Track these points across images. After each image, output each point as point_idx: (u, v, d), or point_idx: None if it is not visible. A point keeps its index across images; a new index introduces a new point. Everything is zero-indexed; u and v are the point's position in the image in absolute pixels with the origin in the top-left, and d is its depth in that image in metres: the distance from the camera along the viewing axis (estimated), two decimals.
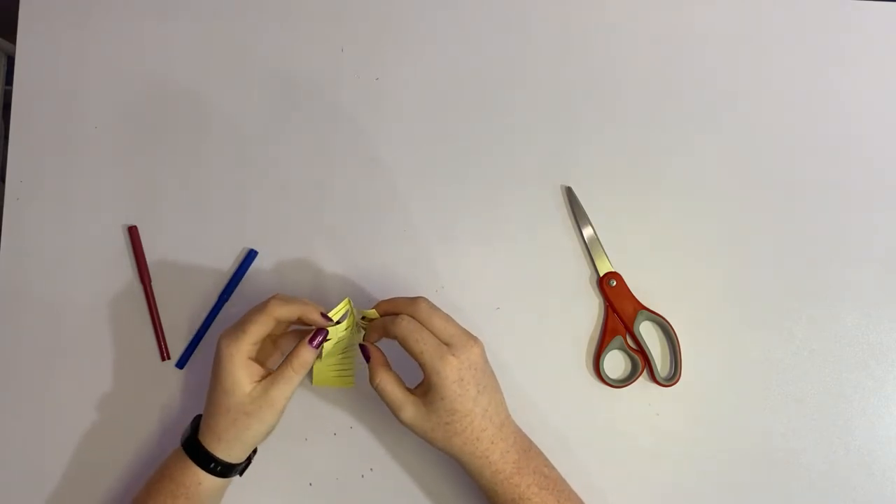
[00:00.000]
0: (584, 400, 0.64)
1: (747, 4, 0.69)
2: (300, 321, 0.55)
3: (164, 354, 0.65)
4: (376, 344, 0.57)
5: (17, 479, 0.64)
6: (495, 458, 0.54)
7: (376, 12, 0.69)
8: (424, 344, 0.52)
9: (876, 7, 0.69)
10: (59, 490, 0.63)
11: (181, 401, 0.65)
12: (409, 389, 0.55)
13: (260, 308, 0.54)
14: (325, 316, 0.55)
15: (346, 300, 0.56)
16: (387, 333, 0.55)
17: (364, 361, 0.56)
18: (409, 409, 0.53)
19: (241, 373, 0.53)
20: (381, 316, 0.56)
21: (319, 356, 0.56)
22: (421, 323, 0.53)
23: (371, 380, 0.55)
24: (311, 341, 0.54)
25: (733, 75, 0.68)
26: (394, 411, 0.54)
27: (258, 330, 0.54)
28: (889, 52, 0.68)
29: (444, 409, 0.52)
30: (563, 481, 0.57)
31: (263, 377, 0.54)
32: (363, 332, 0.58)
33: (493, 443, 0.54)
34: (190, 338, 0.65)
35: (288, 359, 0.54)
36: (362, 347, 0.56)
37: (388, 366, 0.55)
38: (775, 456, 0.63)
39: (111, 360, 0.65)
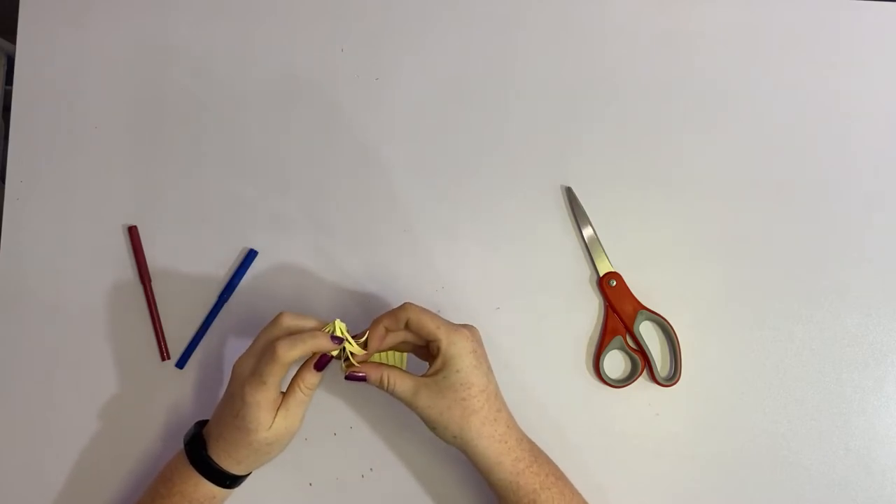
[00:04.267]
0: (584, 400, 0.64)
1: (747, 5, 0.69)
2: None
3: (164, 354, 0.65)
4: (377, 347, 0.55)
5: (15, 477, 0.64)
6: (513, 443, 0.53)
7: (376, 12, 0.69)
8: (439, 321, 0.53)
9: (876, 7, 0.69)
10: (57, 488, 0.63)
11: (181, 401, 0.64)
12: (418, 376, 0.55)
13: (272, 357, 0.51)
14: (335, 338, 0.53)
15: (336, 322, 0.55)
16: (397, 321, 0.54)
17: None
18: (423, 392, 0.53)
19: (267, 416, 0.53)
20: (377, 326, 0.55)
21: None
22: None
23: (380, 384, 0.54)
24: (315, 366, 0.54)
25: (733, 75, 0.68)
26: (408, 400, 0.54)
27: (277, 379, 0.53)
28: (889, 52, 0.68)
29: (460, 382, 0.52)
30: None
31: (279, 405, 0.54)
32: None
33: (509, 427, 0.54)
34: (190, 338, 0.65)
35: (296, 382, 0.54)
36: (351, 376, 0.55)
37: (384, 365, 0.55)
38: (775, 456, 0.63)
39: (111, 360, 0.65)
